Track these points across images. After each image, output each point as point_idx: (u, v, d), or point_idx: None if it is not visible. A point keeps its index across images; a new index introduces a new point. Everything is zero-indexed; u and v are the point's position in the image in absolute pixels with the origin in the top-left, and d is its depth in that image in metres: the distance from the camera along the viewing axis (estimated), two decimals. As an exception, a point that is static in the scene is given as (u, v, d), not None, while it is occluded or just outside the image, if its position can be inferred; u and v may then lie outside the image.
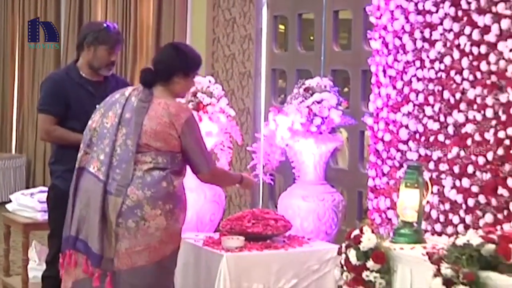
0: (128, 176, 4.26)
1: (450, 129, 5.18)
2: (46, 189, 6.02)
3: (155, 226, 4.24)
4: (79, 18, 10.64)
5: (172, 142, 4.32)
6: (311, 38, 7.27)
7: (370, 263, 3.79)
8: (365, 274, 3.79)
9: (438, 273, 3.44)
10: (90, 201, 4.33)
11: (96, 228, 4.24)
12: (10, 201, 6.96)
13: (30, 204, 6.44)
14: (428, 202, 5.24)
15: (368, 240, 3.81)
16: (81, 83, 5.25)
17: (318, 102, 5.73)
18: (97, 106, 4.80)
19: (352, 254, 3.83)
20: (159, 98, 4.37)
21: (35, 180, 11.45)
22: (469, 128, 5.06)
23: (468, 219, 5.03)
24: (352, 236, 3.89)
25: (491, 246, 3.43)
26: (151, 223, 4.23)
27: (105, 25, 5.34)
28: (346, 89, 6.83)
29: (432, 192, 5.25)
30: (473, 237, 3.50)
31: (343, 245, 3.92)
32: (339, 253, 3.93)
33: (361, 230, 3.88)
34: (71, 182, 4.56)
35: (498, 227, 4.62)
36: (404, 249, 3.86)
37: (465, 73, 5.09)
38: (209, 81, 5.93)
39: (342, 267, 3.90)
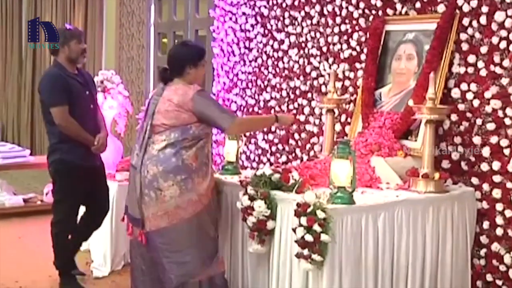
0: (142, 155, 3.43)
1: (262, 104, 5.21)
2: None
3: (170, 195, 3.36)
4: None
5: (181, 116, 3.36)
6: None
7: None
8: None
9: (245, 193, 3.41)
10: (130, 182, 3.55)
11: (134, 199, 3.47)
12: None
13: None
14: (247, 148, 5.27)
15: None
16: (70, 76, 4.07)
17: (181, 87, 5.63)
18: (87, 92, 4.09)
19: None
20: (172, 86, 3.44)
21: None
22: (272, 103, 5.11)
23: (272, 159, 5.09)
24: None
25: (277, 175, 3.43)
26: (165, 192, 3.36)
27: (66, 27, 4.43)
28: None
29: (250, 143, 5.28)
30: (267, 170, 3.48)
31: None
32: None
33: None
34: (80, 155, 4.03)
35: (289, 164, 4.69)
36: (227, 178, 3.83)
37: (270, 69, 5.12)
38: (112, 73, 5.72)
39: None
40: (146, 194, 3.40)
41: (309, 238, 3.03)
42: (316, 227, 3.01)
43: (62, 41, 4.07)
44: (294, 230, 3.12)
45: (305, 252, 3.05)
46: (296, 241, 3.09)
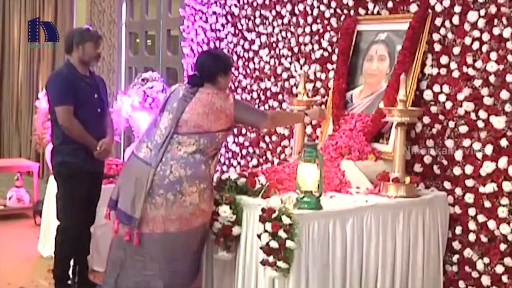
0: (163, 152, 3.30)
1: (232, 105, 5.13)
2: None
3: (190, 201, 3.27)
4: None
5: (220, 121, 3.33)
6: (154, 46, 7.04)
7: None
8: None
9: (211, 198, 3.36)
10: (130, 175, 3.37)
11: (131, 194, 3.31)
12: None
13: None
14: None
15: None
16: (80, 77, 3.93)
17: (150, 88, 5.53)
18: (95, 95, 3.95)
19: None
20: (207, 89, 3.39)
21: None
22: (243, 104, 5.03)
23: (242, 163, 5.02)
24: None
25: (243, 179, 3.37)
26: (187, 198, 3.26)
27: (85, 27, 4.27)
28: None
29: (220, 146, 5.21)
30: (232, 174, 3.43)
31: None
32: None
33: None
34: (82, 158, 3.86)
35: (260, 167, 4.63)
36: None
37: (241, 70, 5.07)
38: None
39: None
40: (161, 195, 3.25)
41: (274, 244, 2.97)
42: (282, 233, 2.96)
43: (78, 41, 3.93)
44: (259, 236, 3.06)
45: (271, 259, 3.00)
46: (261, 248, 3.04)
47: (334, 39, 4.29)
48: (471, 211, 3.55)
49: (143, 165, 3.32)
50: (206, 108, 3.32)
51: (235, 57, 5.07)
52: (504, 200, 3.42)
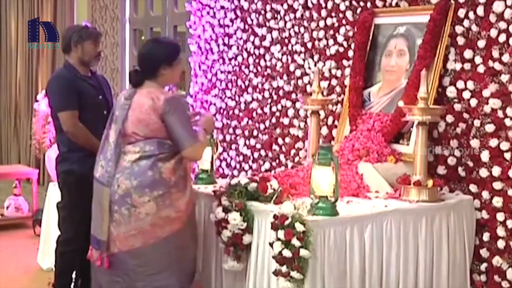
0: (113, 167, 3.28)
1: (242, 106, 5.18)
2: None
3: (145, 211, 3.22)
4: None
5: (153, 126, 3.23)
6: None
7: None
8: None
9: (219, 204, 3.37)
10: (95, 197, 3.38)
11: (99, 217, 3.33)
12: None
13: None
14: (228, 154, 5.22)
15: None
16: (82, 78, 3.95)
17: (155, 89, 5.57)
18: (100, 97, 3.99)
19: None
20: (143, 89, 3.28)
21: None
22: (254, 105, 5.09)
23: (254, 166, 5.05)
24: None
25: (254, 184, 3.39)
26: (141, 209, 3.21)
27: (83, 24, 4.30)
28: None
29: (230, 149, 5.24)
30: (242, 178, 3.45)
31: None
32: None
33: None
34: (90, 166, 3.73)
35: (273, 171, 4.64)
36: (200, 188, 3.77)
37: (251, 67, 5.10)
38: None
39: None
40: (116, 211, 3.26)
41: (287, 253, 2.98)
42: (295, 241, 2.97)
43: (76, 40, 3.96)
44: (271, 244, 3.07)
45: (284, 269, 3.01)
46: (273, 257, 3.05)
47: (350, 34, 4.30)
48: (500, 216, 3.54)
49: (99, 186, 3.34)
50: (136, 111, 3.26)
51: (245, 54, 5.10)
52: (535, 204, 3.42)
